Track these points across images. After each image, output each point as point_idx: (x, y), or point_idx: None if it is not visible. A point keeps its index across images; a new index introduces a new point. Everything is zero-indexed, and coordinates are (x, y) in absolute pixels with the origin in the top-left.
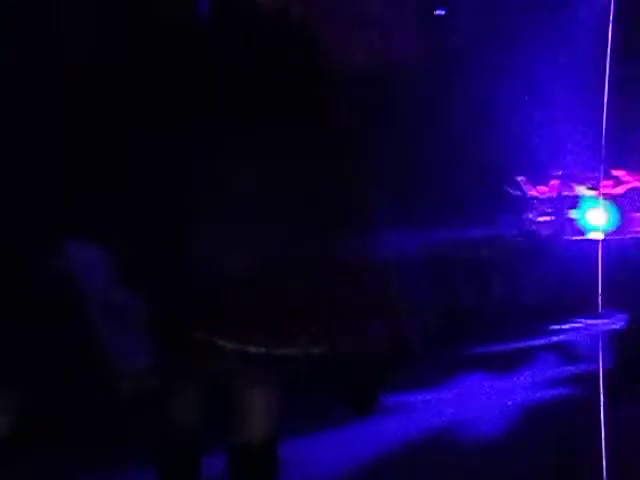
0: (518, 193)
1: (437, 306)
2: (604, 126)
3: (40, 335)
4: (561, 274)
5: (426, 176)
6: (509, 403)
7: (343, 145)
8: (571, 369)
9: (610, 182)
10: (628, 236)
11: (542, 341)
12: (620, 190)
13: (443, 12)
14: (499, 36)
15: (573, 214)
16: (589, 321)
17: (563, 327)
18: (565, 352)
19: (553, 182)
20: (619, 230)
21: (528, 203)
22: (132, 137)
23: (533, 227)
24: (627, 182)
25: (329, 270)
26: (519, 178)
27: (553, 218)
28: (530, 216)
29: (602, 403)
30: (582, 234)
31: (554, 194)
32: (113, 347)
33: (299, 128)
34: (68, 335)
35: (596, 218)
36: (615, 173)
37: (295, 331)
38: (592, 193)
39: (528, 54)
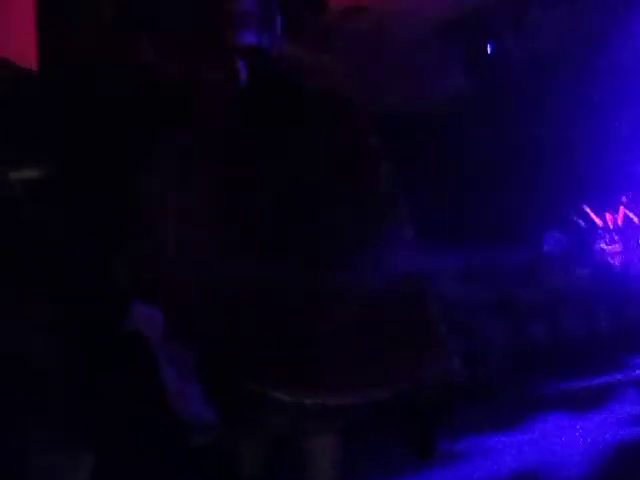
0: (586, 223)
1: (511, 344)
2: None
3: (113, 388)
4: (637, 305)
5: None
6: (592, 443)
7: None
8: None
9: None
10: None
11: (622, 376)
12: None
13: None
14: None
15: None
16: None
17: None
18: None
19: (620, 209)
20: None
21: (597, 233)
22: None
23: (604, 258)
24: None
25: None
26: (585, 207)
27: (623, 247)
28: (600, 246)
29: None
30: None
31: (622, 222)
32: (177, 400)
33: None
34: (137, 388)
35: None
36: None
37: (348, 381)
38: None
39: (590, 82)
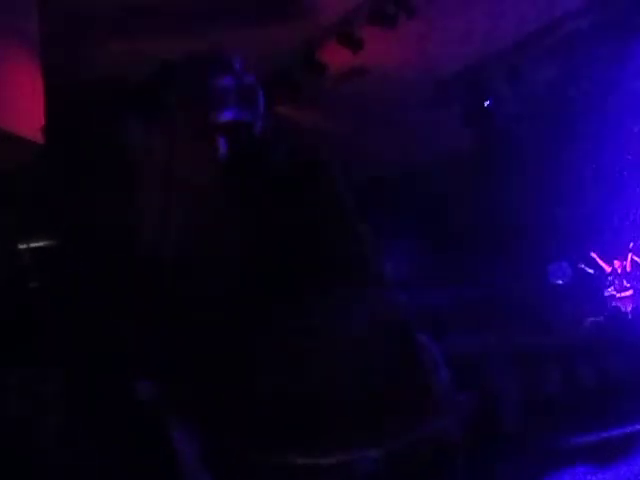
0: (594, 271)
1: (528, 398)
2: None
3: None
4: None
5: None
6: None
7: None
8: None
9: None
10: None
11: None
12: None
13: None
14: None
15: None
16: None
17: None
18: None
19: (629, 256)
20: None
21: (606, 280)
22: None
23: (614, 304)
24: None
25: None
26: (593, 254)
27: (633, 292)
28: (610, 293)
29: None
30: None
31: (630, 267)
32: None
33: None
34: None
35: None
36: None
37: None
38: None
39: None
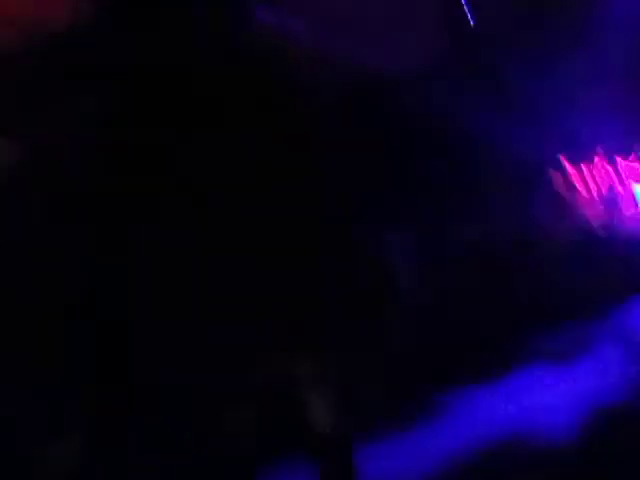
0: (572, 188)
1: (496, 300)
2: None
3: None
4: (621, 265)
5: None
6: (575, 393)
7: None
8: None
9: None
10: None
11: (605, 323)
12: None
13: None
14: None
15: (625, 198)
16: None
17: (624, 307)
18: (630, 333)
19: (604, 171)
20: None
21: (581, 197)
22: None
23: (588, 219)
24: None
25: None
26: (569, 168)
27: (606, 208)
28: (584, 210)
29: None
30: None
31: (605, 184)
32: None
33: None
34: None
35: None
36: None
37: None
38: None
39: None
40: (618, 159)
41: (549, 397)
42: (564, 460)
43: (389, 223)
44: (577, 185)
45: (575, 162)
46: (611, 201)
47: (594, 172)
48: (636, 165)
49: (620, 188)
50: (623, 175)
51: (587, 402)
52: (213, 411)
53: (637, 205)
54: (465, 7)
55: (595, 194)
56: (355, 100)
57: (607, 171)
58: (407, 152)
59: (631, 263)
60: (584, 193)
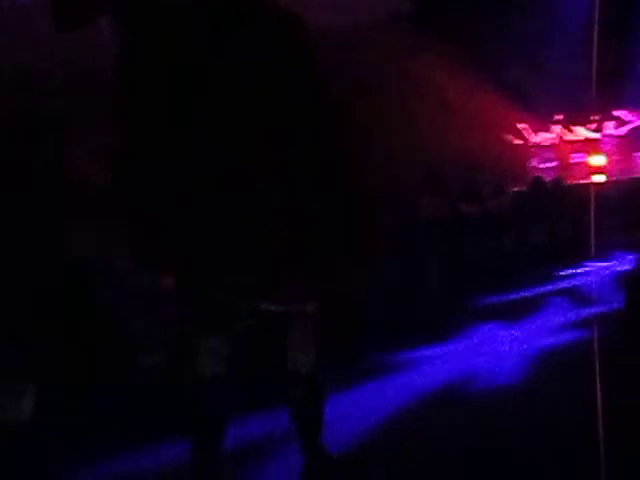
0: (520, 142)
1: (446, 259)
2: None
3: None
4: (568, 220)
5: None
6: (522, 350)
7: None
8: (582, 312)
9: (612, 123)
10: (632, 177)
11: (552, 287)
12: (623, 131)
13: None
14: None
15: (576, 159)
16: (597, 264)
17: (572, 272)
18: (576, 296)
19: (555, 127)
20: (623, 171)
21: (531, 151)
22: None
23: (537, 174)
24: (629, 122)
25: None
26: (521, 126)
27: (556, 164)
28: (534, 164)
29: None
30: (586, 178)
31: (556, 140)
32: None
33: None
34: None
35: (599, 161)
36: (617, 113)
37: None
38: (594, 136)
39: None
40: (575, 127)
41: (497, 354)
42: (509, 411)
43: None
44: (532, 147)
45: (535, 131)
46: (565, 167)
47: (552, 136)
48: (591, 135)
49: (576, 155)
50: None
51: (532, 358)
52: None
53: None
54: None
55: (551, 158)
56: None
57: (564, 138)
58: None
59: (578, 229)
60: (539, 154)
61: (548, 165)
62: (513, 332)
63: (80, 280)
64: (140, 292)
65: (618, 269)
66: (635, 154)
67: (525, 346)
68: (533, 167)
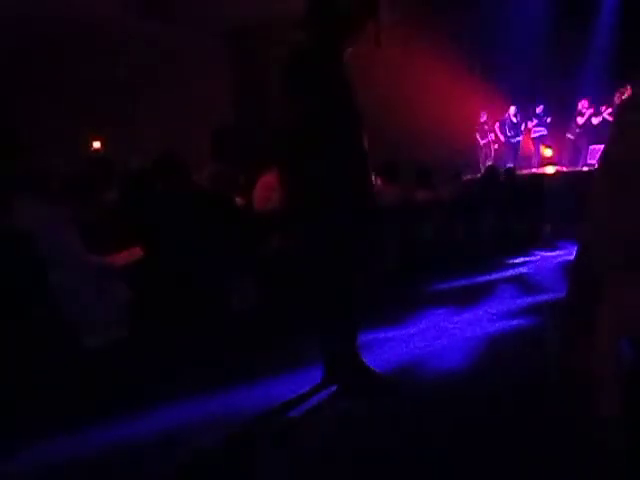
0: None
1: (403, 247)
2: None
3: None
4: (517, 209)
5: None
6: (468, 336)
7: None
8: (528, 300)
9: (568, 115)
10: (584, 168)
11: (501, 274)
12: (579, 122)
13: None
14: None
15: (528, 151)
16: (544, 253)
17: (519, 260)
18: (522, 284)
19: (509, 120)
20: (573, 163)
21: (487, 140)
22: None
23: (490, 165)
24: (584, 114)
25: None
26: (482, 119)
27: (508, 154)
28: (488, 154)
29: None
30: (538, 168)
31: (510, 132)
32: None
33: None
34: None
35: (550, 152)
36: (580, 105)
37: None
38: (542, 130)
39: None
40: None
41: (449, 338)
42: (460, 394)
43: None
44: (489, 138)
45: (491, 123)
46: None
47: (508, 128)
48: (542, 129)
49: (529, 146)
50: (531, 134)
51: (482, 342)
52: None
53: (539, 163)
54: None
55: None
56: None
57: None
58: None
59: (531, 217)
60: (494, 145)
61: (501, 155)
62: (464, 317)
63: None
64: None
65: (564, 258)
66: (586, 146)
67: (476, 330)
68: (486, 155)
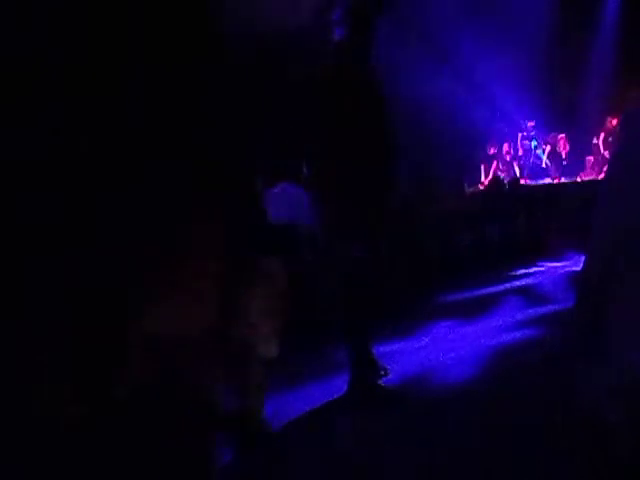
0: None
1: (409, 259)
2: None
3: None
4: (523, 219)
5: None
6: (477, 347)
7: None
8: (536, 311)
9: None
10: (584, 179)
11: (508, 285)
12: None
13: None
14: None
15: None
16: (550, 264)
17: (527, 271)
18: (530, 294)
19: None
20: (576, 174)
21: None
22: None
23: (495, 176)
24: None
25: None
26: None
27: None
28: (492, 168)
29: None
30: (543, 179)
31: (510, 150)
32: None
33: None
34: None
35: (555, 163)
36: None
37: None
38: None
39: None
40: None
41: (455, 350)
42: (466, 405)
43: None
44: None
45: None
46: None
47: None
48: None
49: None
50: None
51: (488, 355)
52: None
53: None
54: None
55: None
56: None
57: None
58: None
59: (533, 229)
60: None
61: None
62: (472, 329)
63: None
64: None
65: (571, 269)
66: (586, 157)
67: (481, 343)
68: (492, 167)
